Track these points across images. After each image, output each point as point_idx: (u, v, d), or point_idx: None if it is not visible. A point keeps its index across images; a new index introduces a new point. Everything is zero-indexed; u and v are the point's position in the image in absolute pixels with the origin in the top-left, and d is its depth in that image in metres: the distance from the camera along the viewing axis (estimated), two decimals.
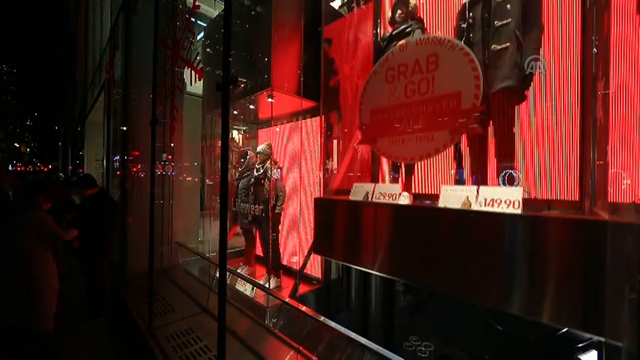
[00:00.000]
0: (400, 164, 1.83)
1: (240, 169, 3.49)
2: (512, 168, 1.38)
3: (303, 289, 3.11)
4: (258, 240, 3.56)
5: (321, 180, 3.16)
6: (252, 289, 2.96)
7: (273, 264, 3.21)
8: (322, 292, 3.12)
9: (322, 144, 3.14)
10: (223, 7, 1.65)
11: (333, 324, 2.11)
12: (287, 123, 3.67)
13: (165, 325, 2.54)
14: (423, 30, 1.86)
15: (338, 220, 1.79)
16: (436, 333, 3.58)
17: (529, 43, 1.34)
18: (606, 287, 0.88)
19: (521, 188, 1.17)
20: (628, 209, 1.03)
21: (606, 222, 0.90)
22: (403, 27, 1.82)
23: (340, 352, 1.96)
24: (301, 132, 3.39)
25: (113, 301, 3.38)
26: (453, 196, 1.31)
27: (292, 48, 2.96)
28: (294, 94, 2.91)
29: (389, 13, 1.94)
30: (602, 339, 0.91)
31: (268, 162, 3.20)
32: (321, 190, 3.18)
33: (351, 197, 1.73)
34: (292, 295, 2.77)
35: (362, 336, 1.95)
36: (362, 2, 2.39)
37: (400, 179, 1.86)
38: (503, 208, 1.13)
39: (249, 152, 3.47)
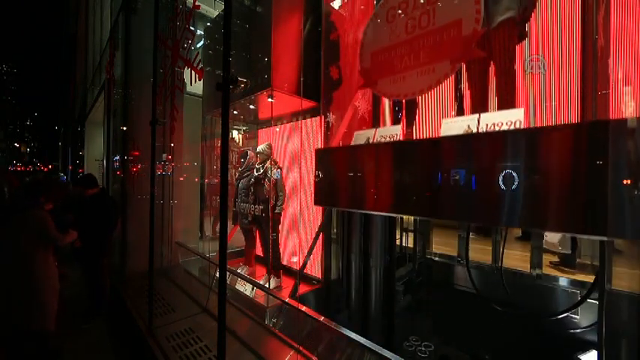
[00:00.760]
0: (402, 108, 1.83)
1: (240, 169, 3.49)
2: (513, 105, 1.38)
3: (303, 289, 3.11)
4: (258, 240, 3.56)
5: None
6: (252, 289, 2.96)
7: (273, 264, 3.21)
8: (322, 292, 3.12)
9: (322, 144, 3.14)
10: (223, 7, 1.65)
11: (333, 324, 2.11)
12: (287, 123, 3.67)
13: (165, 325, 2.54)
14: None
15: (339, 168, 1.78)
16: (436, 331, 3.58)
17: None
18: (608, 187, 0.88)
19: (522, 109, 1.16)
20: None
21: (608, 121, 0.90)
22: None
23: (340, 352, 1.96)
24: (301, 132, 3.39)
25: (113, 301, 3.37)
26: (454, 127, 1.29)
27: (292, 48, 2.96)
28: (294, 94, 2.91)
29: None
30: (605, 238, 0.92)
31: (268, 162, 3.20)
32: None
33: (353, 144, 1.74)
34: (292, 295, 2.77)
35: (362, 336, 1.95)
36: None
37: (402, 123, 1.86)
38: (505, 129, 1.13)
39: (249, 152, 3.47)
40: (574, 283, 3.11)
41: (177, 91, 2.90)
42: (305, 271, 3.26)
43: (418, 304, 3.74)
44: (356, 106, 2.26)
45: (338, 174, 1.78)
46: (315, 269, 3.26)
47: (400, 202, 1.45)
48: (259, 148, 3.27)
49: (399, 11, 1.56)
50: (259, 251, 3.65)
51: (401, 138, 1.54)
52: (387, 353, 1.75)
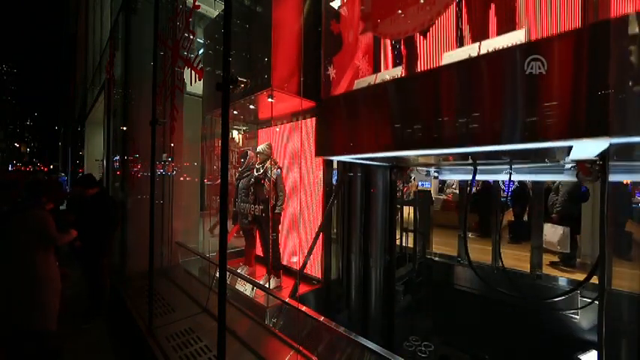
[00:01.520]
0: (403, 51, 1.84)
1: (240, 169, 3.49)
2: (514, 27, 1.38)
3: (303, 289, 3.11)
4: (258, 240, 3.56)
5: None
6: (252, 289, 2.96)
7: (273, 264, 3.21)
8: (322, 292, 3.12)
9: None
10: (223, 7, 1.65)
11: (333, 324, 2.11)
12: (287, 123, 3.67)
13: (165, 325, 2.54)
14: None
15: (341, 113, 1.79)
16: (436, 331, 3.58)
17: None
18: (609, 87, 0.89)
19: (524, 29, 1.16)
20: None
21: (609, 20, 0.90)
22: None
23: (340, 352, 1.95)
24: (301, 132, 3.39)
25: (113, 301, 3.37)
26: (455, 57, 1.29)
27: (292, 48, 2.96)
28: (294, 94, 2.91)
29: None
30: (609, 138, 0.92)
31: (268, 162, 3.20)
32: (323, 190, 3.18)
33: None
34: (292, 295, 2.77)
35: (362, 336, 1.95)
36: None
37: (403, 64, 1.87)
38: None
39: (249, 152, 3.47)
40: (574, 283, 3.11)
41: (177, 91, 2.90)
42: (305, 271, 3.26)
43: (418, 304, 3.74)
44: (357, 66, 2.27)
45: (340, 120, 1.79)
46: (315, 269, 3.26)
47: (405, 137, 1.46)
48: (259, 148, 3.27)
49: None
50: (259, 251, 3.65)
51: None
52: (387, 353, 1.75)
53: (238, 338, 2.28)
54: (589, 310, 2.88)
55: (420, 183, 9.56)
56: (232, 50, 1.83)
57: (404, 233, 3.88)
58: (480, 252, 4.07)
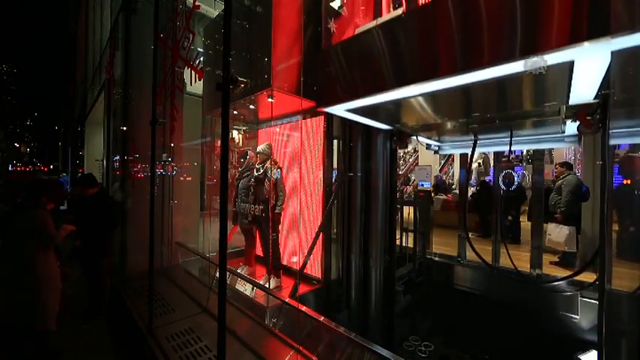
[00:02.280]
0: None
1: (240, 169, 3.49)
2: None
3: (303, 289, 3.11)
4: (258, 240, 3.56)
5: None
6: (252, 289, 2.96)
7: (273, 264, 3.21)
8: (322, 292, 3.12)
9: (323, 144, 3.14)
10: (223, 7, 1.65)
11: (333, 324, 2.11)
12: (287, 123, 3.67)
13: (165, 325, 2.54)
14: None
15: (340, 61, 1.86)
16: (436, 331, 3.58)
17: None
18: None
19: None
20: None
21: None
22: None
23: (340, 352, 1.95)
24: (301, 132, 3.39)
25: (113, 301, 3.37)
26: None
27: (292, 48, 2.96)
28: (294, 94, 2.91)
29: None
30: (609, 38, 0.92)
31: (268, 162, 3.20)
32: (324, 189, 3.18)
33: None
34: (292, 295, 2.77)
35: (362, 336, 1.95)
36: None
37: (403, 6, 1.90)
38: None
39: (249, 152, 3.47)
40: (574, 283, 3.11)
41: (177, 91, 2.90)
42: (305, 271, 3.26)
43: (418, 304, 3.74)
44: (357, 24, 2.28)
45: (340, 68, 1.85)
46: (315, 269, 3.26)
47: (402, 71, 1.52)
48: (259, 148, 3.26)
49: None
50: (259, 251, 3.65)
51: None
52: (387, 353, 1.75)
53: (238, 338, 2.28)
54: (589, 311, 2.88)
55: (420, 183, 9.58)
56: (232, 50, 1.83)
57: (404, 233, 3.89)
58: (480, 252, 4.07)
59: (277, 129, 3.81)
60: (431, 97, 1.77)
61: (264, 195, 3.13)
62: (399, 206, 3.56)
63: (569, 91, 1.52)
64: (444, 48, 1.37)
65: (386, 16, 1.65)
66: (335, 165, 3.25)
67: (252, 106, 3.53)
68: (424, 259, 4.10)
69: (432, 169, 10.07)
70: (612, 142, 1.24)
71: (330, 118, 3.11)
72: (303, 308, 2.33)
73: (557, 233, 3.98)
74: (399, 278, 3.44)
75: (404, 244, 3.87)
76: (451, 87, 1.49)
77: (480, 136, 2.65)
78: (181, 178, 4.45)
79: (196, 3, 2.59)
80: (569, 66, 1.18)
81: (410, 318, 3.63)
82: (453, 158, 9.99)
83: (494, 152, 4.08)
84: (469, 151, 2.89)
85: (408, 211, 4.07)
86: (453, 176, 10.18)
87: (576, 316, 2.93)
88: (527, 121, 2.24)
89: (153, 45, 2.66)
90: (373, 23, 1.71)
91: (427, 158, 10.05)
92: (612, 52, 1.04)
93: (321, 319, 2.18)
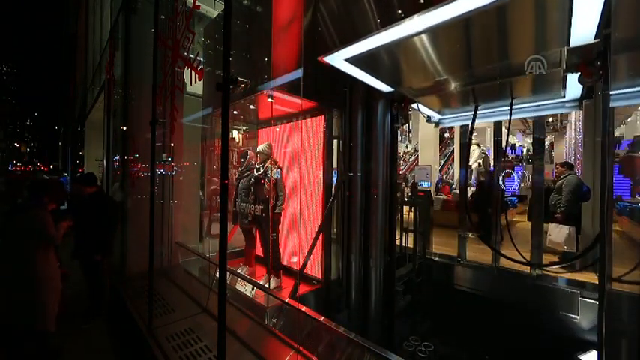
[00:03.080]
0: None
1: (240, 169, 3.49)
2: None
3: (303, 289, 3.11)
4: (258, 240, 3.55)
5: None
6: (252, 289, 2.96)
7: (273, 264, 3.21)
8: (322, 292, 3.12)
9: (323, 144, 3.14)
10: (223, 7, 1.65)
11: (333, 324, 2.11)
12: (287, 123, 3.67)
13: (165, 325, 2.54)
14: None
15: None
16: (436, 331, 3.58)
17: None
18: None
19: None
20: None
21: None
22: None
23: (340, 352, 1.95)
24: (301, 132, 3.39)
25: (113, 301, 3.37)
26: None
27: (292, 48, 2.95)
28: (294, 94, 2.90)
29: None
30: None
31: (268, 162, 3.20)
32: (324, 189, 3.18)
33: None
34: (292, 295, 2.77)
35: (362, 336, 1.95)
36: None
37: None
38: None
39: (249, 152, 3.47)
40: (573, 283, 3.11)
41: (177, 91, 2.89)
42: (305, 271, 3.26)
43: (418, 304, 3.74)
44: None
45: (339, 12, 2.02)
46: (315, 269, 3.26)
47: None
48: (259, 148, 3.26)
49: None
50: (259, 251, 3.65)
51: None
52: (387, 353, 1.75)
53: (238, 338, 2.28)
54: (589, 311, 2.88)
55: (420, 183, 9.57)
56: (232, 50, 1.83)
57: (404, 233, 3.88)
58: (480, 252, 4.07)
59: (277, 129, 3.81)
60: (430, 38, 1.82)
61: (264, 195, 3.13)
62: (399, 206, 3.56)
63: (569, 28, 1.50)
64: None
65: None
66: (335, 165, 3.25)
67: (252, 106, 3.53)
68: (424, 259, 4.09)
69: (432, 169, 10.07)
70: (613, 90, 1.23)
71: (330, 118, 3.11)
72: (303, 308, 2.33)
73: (556, 233, 3.98)
74: (399, 278, 3.44)
75: (404, 244, 3.87)
76: (446, 19, 1.53)
77: (480, 106, 2.63)
78: (181, 178, 4.45)
79: (196, 3, 2.59)
80: None
81: (410, 318, 3.63)
82: (453, 158, 9.98)
83: (494, 145, 4.05)
84: (469, 123, 2.87)
85: (408, 211, 4.07)
86: (453, 176, 10.18)
87: (576, 316, 2.93)
88: (528, 81, 2.19)
89: (153, 45, 2.66)
90: None
91: (427, 158, 10.05)
92: None
93: (321, 319, 2.18)
